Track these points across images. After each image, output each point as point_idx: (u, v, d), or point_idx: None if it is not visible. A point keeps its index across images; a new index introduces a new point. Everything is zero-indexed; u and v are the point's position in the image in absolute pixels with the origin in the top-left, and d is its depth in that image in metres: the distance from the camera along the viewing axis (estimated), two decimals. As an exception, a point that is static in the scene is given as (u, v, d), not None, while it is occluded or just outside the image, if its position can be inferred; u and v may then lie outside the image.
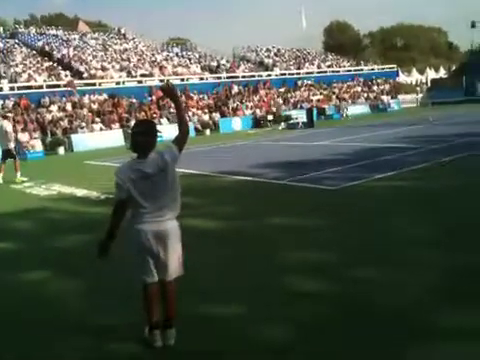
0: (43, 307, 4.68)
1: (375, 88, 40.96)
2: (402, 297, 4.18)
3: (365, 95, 39.16)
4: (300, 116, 28.67)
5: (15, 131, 16.72)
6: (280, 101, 34.82)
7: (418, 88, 43.06)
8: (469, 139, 14.15)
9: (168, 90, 3.75)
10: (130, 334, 3.87)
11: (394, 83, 43.74)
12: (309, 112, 28.07)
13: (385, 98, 37.96)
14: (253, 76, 38.02)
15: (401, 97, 39.63)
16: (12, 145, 13.68)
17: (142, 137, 3.53)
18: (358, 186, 8.90)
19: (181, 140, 3.69)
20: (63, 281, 5.36)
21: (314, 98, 35.85)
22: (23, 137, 22.43)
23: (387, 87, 41.59)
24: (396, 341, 3.45)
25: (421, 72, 53.94)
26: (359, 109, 35.56)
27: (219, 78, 36.29)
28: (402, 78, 48.94)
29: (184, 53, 41.51)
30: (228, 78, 36.38)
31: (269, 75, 39.14)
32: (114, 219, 3.60)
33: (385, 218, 6.74)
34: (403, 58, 64.88)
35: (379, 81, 42.53)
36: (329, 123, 28.54)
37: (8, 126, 13.87)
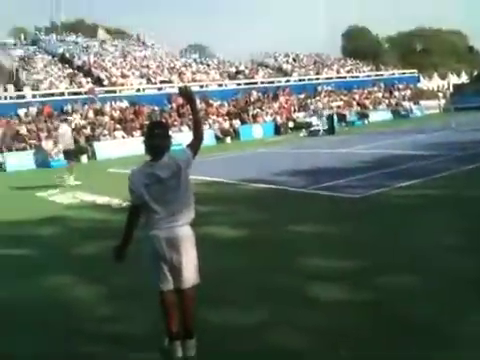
0: (62, 312, 4.68)
1: (396, 94, 40.52)
2: (428, 305, 4.08)
3: (386, 101, 38.75)
4: (321, 123, 28.47)
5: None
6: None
7: (440, 94, 42.49)
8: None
9: (185, 93, 3.74)
10: (148, 343, 3.82)
11: (415, 89, 43.23)
12: (330, 118, 27.91)
13: (407, 104, 37.52)
14: (272, 82, 37.95)
15: (423, 103, 39.08)
16: (72, 147, 14.95)
17: (159, 140, 3.50)
18: (382, 194, 8.75)
19: (195, 145, 3.64)
20: (83, 287, 5.35)
21: (334, 104, 35.64)
22: (47, 145, 22.65)
23: (408, 93, 41.09)
24: (423, 349, 3.36)
25: (442, 77, 53.32)
26: (381, 115, 35.19)
27: (239, 84, 36.33)
28: (423, 83, 48.36)
29: (203, 59, 41.70)
30: (247, 84, 36.41)
31: (288, 81, 39.05)
32: (128, 225, 3.58)
33: (410, 226, 6.59)
34: (423, 63, 64.11)
35: (400, 87, 42.07)
36: (350, 130, 28.31)
37: (68, 129, 15.39)
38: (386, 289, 4.51)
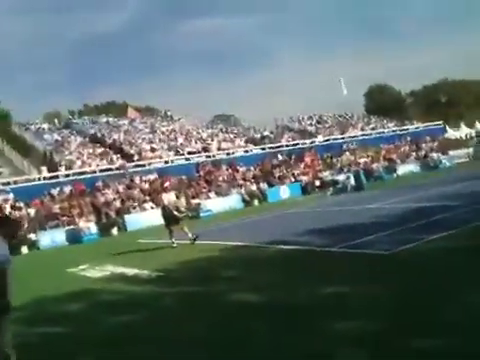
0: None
1: (424, 146, 40.25)
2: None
3: (414, 154, 38.49)
4: (348, 180, 28.36)
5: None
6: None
7: (470, 142, 42.01)
8: None
9: None
10: None
11: (442, 139, 42.91)
12: (357, 175, 27.80)
13: (435, 155, 37.08)
14: (297, 144, 38.37)
15: (452, 152, 38.62)
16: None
17: None
18: (411, 249, 8.48)
19: None
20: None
21: (361, 160, 35.56)
22: (80, 222, 23.15)
23: (436, 144, 40.78)
24: None
25: (470, 126, 52.85)
26: (409, 168, 35.01)
27: (263, 149, 36.85)
28: (451, 133, 48.01)
29: (228, 128, 42.73)
30: (272, 148, 36.88)
31: (313, 142, 39.40)
32: None
33: (443, 283, 6.35)
34: (449, 114, 64.13)
35: (427, 139, 41.81)
36: (379, 184, 28.07)
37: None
38: (422, 355, 4.29)
